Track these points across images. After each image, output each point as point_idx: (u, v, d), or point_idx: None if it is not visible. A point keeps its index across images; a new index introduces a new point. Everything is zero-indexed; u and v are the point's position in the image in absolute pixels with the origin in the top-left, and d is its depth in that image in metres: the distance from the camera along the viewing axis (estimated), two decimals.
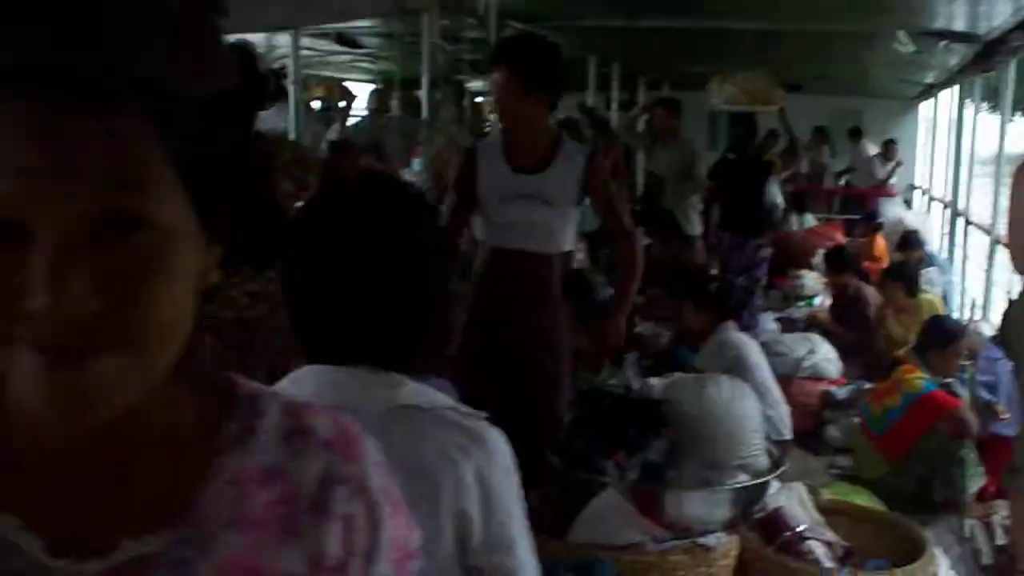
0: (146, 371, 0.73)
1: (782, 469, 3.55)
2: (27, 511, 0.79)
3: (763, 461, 3.58)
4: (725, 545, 3.37)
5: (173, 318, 0.73)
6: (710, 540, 3.32)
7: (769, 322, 7.47)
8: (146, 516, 0.81)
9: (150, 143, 0.70)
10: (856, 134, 15.38)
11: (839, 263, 7.87)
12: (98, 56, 0.67)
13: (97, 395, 0.70)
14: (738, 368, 4.83)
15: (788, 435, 4.87)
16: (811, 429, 6.08)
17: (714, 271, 7.63)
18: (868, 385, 6.08)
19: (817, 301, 8.66)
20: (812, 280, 8.99)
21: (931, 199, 14.64)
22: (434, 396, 1.57)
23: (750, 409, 3.62)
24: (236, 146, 0.78)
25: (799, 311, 8.28)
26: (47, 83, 0.67)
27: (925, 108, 16.59)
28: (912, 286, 7.04)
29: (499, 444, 1.56)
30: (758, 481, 3.42)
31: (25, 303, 0.67)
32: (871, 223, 11.61)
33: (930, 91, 14.46)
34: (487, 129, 9.20)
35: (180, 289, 0.73)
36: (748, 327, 6.38)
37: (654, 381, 3.71)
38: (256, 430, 0.86)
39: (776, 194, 9.59)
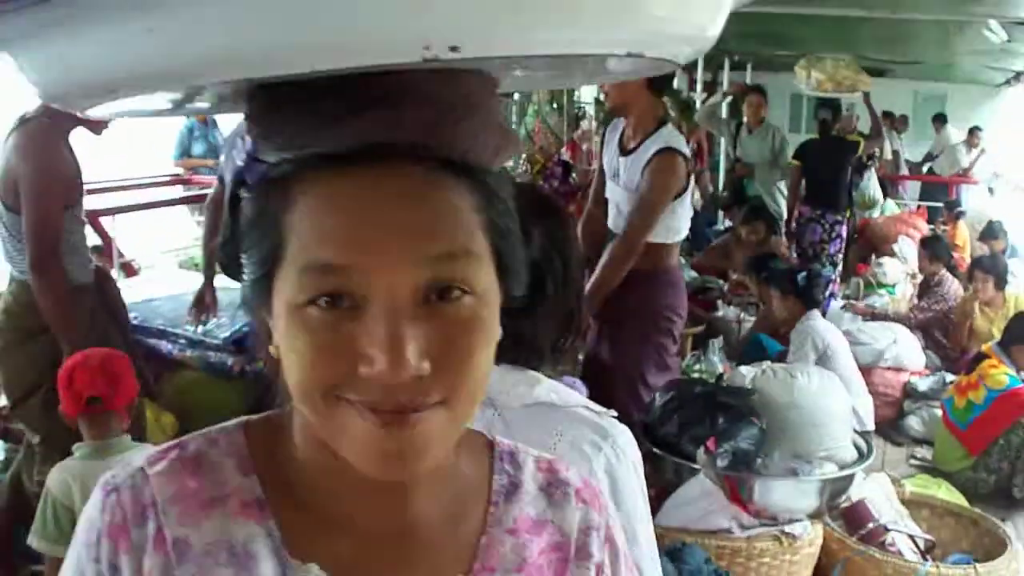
0: (459, 424, 0.82)
1: (868, 462, 3.59)
2: (331, 561, 0.88)
3: (850, 452, 3.63)
4: (809, 534, 3.43)
5: (484, 375, 0.81)
6: (796, 528, 3.38)
7: (849, 311, 7.43)
8: (436, 565, 0.91)
9: (472, 215, 0.79)
10: (941, 120, 15.13)
11: (936, 251, 7.76)
12: (436, 136, 0.77)
13: (423, 448, 0.78)
14: (824, 358, 4.87)
15: (870, 426, 4.89)
16: (892, 419, 6.10)
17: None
18: (951, 377, 6.06)
19: (898, 290, 8.59)
20: (893, 268, 8.90)
21: (1015, 188, 14.38)
22: (567, 394, 1.65)
23: (839, 401, 3.66)
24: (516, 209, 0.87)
25: (880, 299, 8.22)
26: (390, 160, 0.77)
27: (1013, 94, 16.22)
28: (1002, 280, 6.95)
29: (627, 439, 1.64)
30: (845, 473, 3.47)
31: (360, 368, 0.75)
32: (953, 211, 11.44)
33: (1018, 78, 14.16)
34: (579, 112, 9.22)
35: (489, 347, 0.81)
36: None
37: (743, 370, 3.77)
38: (521, 483, 0.96)
39: (868, 176, 9.61)
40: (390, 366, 0.73)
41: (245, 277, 0.85)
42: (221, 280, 6.47)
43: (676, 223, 3.89)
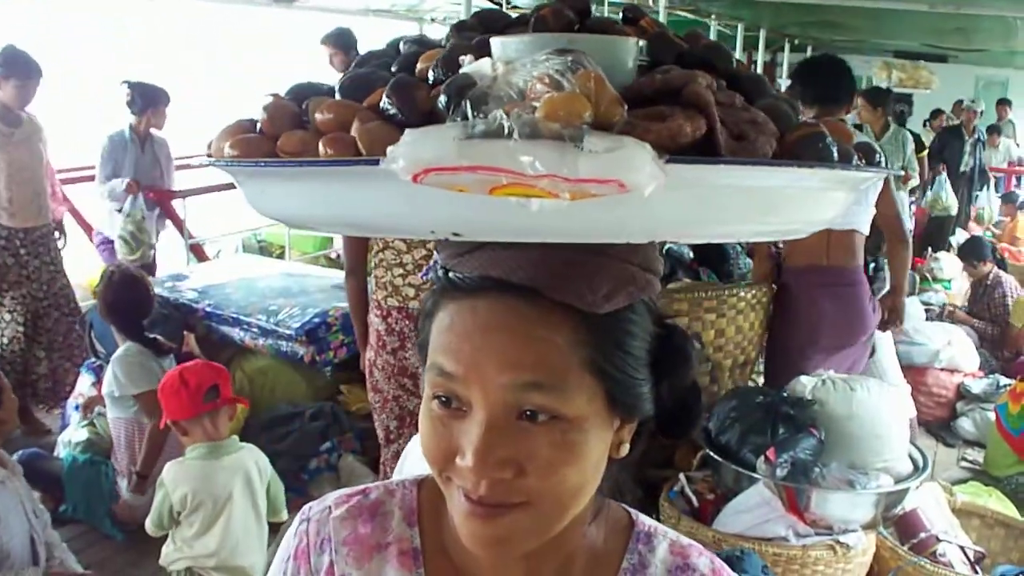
0: (545, 526, 0.93)
1: (924, 476, 3.65)
2: None
3: (906, 465, 3.70)
4: (863, 543, 3.51)
5: (573, 487, 0.92)
6: (850, 539, 3.46)
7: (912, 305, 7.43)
8: None
9: (569, 351, 0.89)
10: (1006, 104, 14.90)
11: (975, 255, 7.73)
12: (545, 279, 0.88)
13: (505, 540, 0.91)
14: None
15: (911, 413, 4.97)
16: (944, 420, 6.15)
17: None
18: (1005, 380, 6.09)
19: (954, 285, 8.57)
20: (949, 261, 8.88)
21: None
22: None
23: (897, 414, 3.73)
24: (646, 350, 0.96)
25: (936, 295, 8.21)
26: (509, 292, 0.89)
27: None
28: None
29: None
30: (901, 487, 3.54)
31: (457, 459, 0.90)
32: (1015, 203, 11.31)
33: None
34: None
35: (582, 465, 0.92)
36: None
37: (804, 380, 3.84)
38: (649, 564, 1.06)
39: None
40: (475, 465, 0.88)
41: (418, 352, 1.02)
42: (296, 267, 6.65)
43: None
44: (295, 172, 0.94)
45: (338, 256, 8.23)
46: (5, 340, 5.73)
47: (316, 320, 5.06)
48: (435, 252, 0.99)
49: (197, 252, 7.35)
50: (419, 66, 1.01)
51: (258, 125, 1.01)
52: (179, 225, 7.05)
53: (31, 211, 5.73)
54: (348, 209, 0.91)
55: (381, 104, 0.92)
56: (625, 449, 0.99)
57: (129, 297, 4.73)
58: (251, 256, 7.78)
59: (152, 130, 6.55)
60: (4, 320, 5.72)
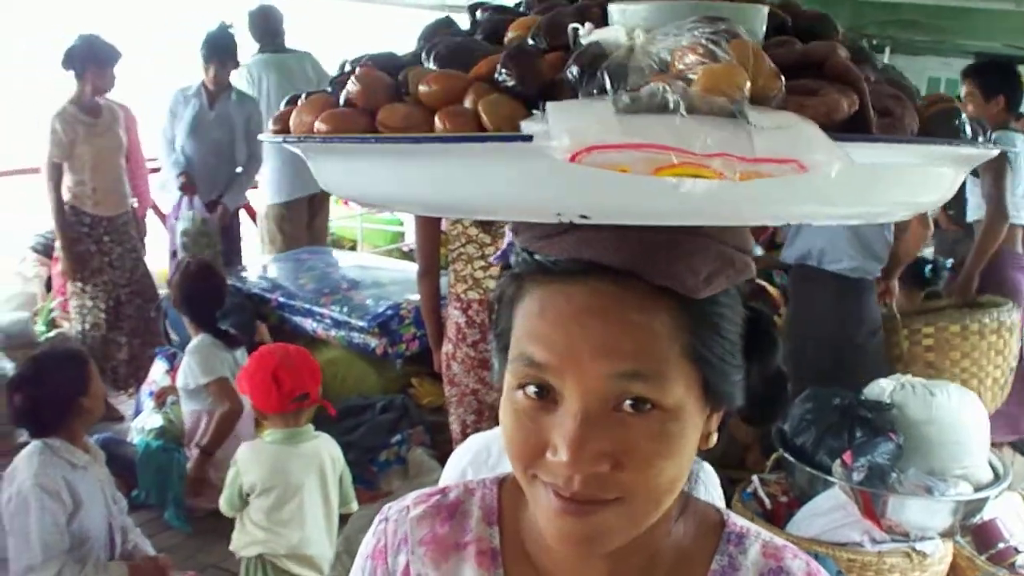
0: (638, 521, 0.89)
1: (1004, 485, 3.58)
2: None
3: (985, 472, 3.62)
4: (940, 551, 3.44)
5: (669, 481, 0.88)
6: (927, 546, 3.40)
7: None
8: None
9: (669, 337, 0.85)
10: None
11: None
12: (643, 262, 0.84)
13: (596, 538, 0.87)
14: None
15: None
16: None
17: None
18: None
19: None
20: None
21: None
22: None
23: (977, 419, 3.65)
24: (739, 335, 0.92)
25: None
26: (602, 277, 0.85)
27: None
28: None
29: (709, 475, 1.73)
30: (981, 496, 3.47)
31: (548, 454, 0.86)
32: None
33: None
34: None
35: (678, 456, 0.88)
36: None
37: (883, 383, 3.78)
38: (740, 567, 1.01)
39: None
40: (570, 459, 0.83)
41: (494, 350, 0.97)
42: (368, 259, 6.68)
43: None
44: (410, 149, 0.87)
45: (410, 250, 8.26)
46: (87, 326, 5.83)
47: (389, 312, 5.08)
48: (512, 234, 0.95)
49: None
50: (509, 34, 0.95)
51: (342, 98, 0.95)
52: (252, 215, 7.12)
53: (114, 199, 5.82)
54: (463, 190, 0.84)
55: (497, 75, 0.86)
56: (713, 440, 0.94)
57: (203, 288, 4.77)
58: (323, 248, 7.82)
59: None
60: (86, 306, 5.82)
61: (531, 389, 0.87)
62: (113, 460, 4.36)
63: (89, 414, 3.41)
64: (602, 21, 0.92)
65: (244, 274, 5.96)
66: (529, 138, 0.75)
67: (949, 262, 5.54)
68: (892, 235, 4.64)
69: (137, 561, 3.44)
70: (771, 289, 5.63)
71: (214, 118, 6.17)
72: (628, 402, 0.85)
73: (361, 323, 5.06)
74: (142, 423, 5.01)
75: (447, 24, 1.10)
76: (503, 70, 0.86)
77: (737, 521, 1.06)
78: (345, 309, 5.18)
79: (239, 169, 6.33)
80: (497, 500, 1.07)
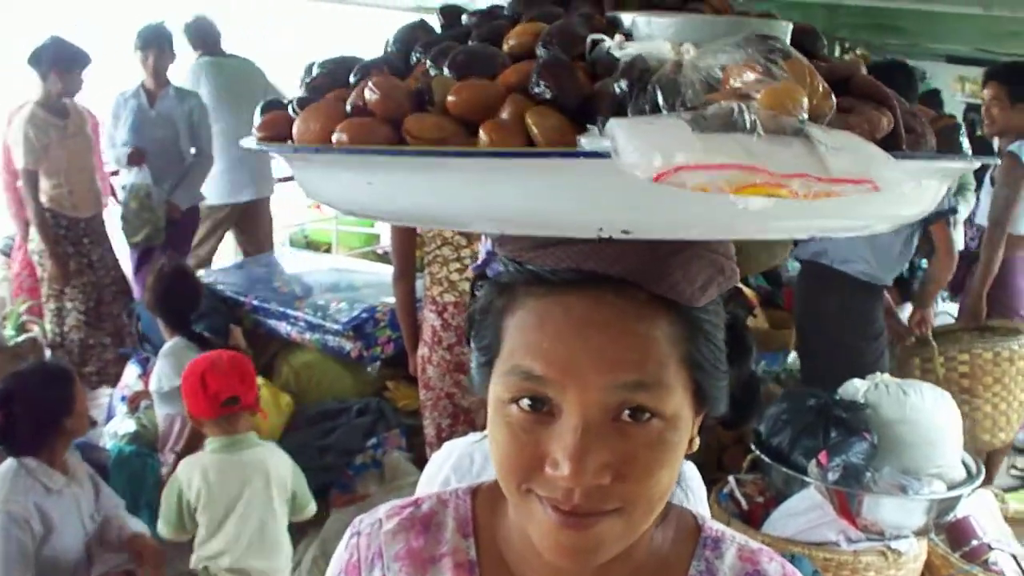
0: (635, 530, 0.89)
1: (977, 483, 3.61)
2: None
3: (959, 471, 3.65)
4: (915, 550, 3.46)
5: (664, 488, 0.88)
6: (902, 545, 3.41)
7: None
8: None
9: (668, 347, 0.85)
10: None
11: None
12: (641, 271, 0.84)
13: (596, 548, 0.87)
14: None
15: None
16: None
17: None
18: None
19: None
20: None
21: None
22: None
23: (950, 419, 3.68)
24: (724, 340, 0.93)
25: None
26: (600, 287, 0.84)
27: None
28: None
29: (694, 475, 1.80)
30: (954, 494, 3.50)
31: (547, 468, 0.85)
32: None
33: None
34: None
35: (674, 463, 0.88)
36: None
37: (856, 383, 3.80)
38: (716, 571, 1.02)
39: None
40: (571, 472, 0.82)
41: (473, 358, 0.96)
42: (343, 262, 6.65)
43: None
44: (441, 163, 0.84)
45: (385, 252, 8.24)
46: (65, 328, 5.82)
47: (364, 315, 5.04)
48: (492, 244, 0.94)
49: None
50: (511, 41, 0.93)
51: (349, 104, 0.92)
52: None
53: (90, 200, 5.85)
54: (506, 204, 0.82)
55: (533, 86, 0.84)
56: (696, 444, 0.95)
57: (178, 291, 4.71)
58: (298, 250, 7.79)
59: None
60: (65, 308, 5.82)
61: (526, 402, 0.86)
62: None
63: (72, 434, 3.36)
64: (608, 30, 0.91)
65: (218, 277, 5.92)
66: (603, 155, 0.73)
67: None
68: (912, 247, 4.69)
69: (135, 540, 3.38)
70: (746, 290, 5.65)
71: (155, 116, 6.09)
72: (627, 412, 0.84)
73: (336, 326, 5.02)
74: (115, 428, 4.94)
75: (423, 27, 1.08)
76: (540, 81, 0.84)
77: (713, 526, 1.06)
78: (320, 312, 5.15)
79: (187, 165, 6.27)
80: (471, 510, 1.06)
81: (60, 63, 5.54)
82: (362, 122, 0.88)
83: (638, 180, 0.70)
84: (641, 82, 0.79)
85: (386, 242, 8.41)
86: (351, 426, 4.85)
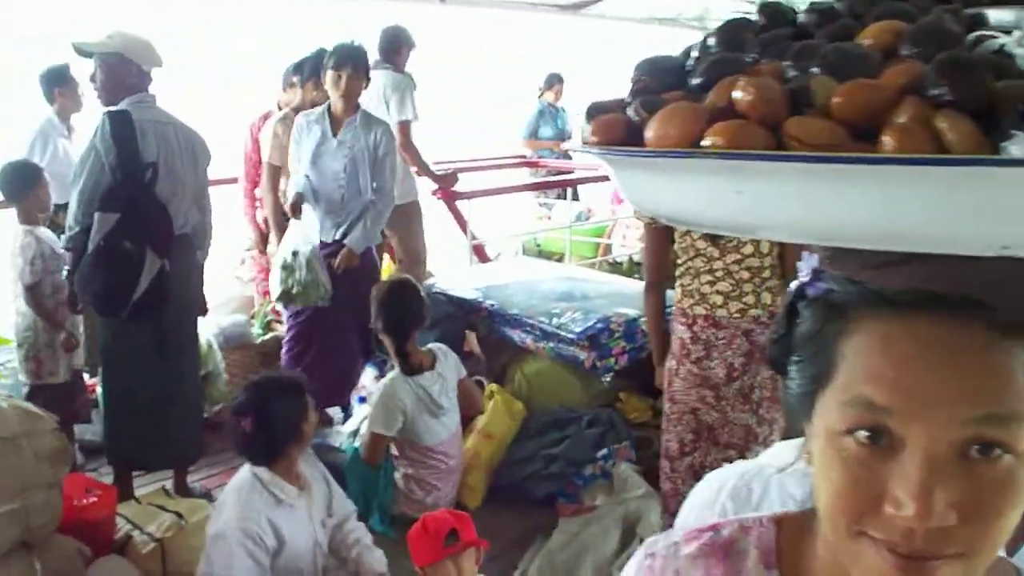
0: (974, 573, 0.80)
1: None
2: None
3: None
4: None
5: (1008, 532, 0.79)
6: None
7: None
8: None
9: (1023, 377, 0.77)
10: None
11: None
12: (993, 294, 0.76)
13: None
14: None
15: None
16: None
17: None
18: None
19: None
20: None
21: None
22: None
23: None
24: None
25: None
26: (950, 310, 0.76)
27: None
28: None
29: None
30: None
31: (886, 507, 0.77)
32: None
33: None
34: None
35: (1020, 507, 0.79)
36: None
37: None
38: None
39: None
40: (917, 512, 0.74)
41: (791, 383, 0.88)
42: (577, 271, 6.64)
43: None
44: (836, 170, 0.77)
45: (616, 261, 8.20)
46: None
47: (599, 325, 5.00)
48: (819, 261, 0.87)
49: (479, 253, 7.45)
50: (866, 41, 0.86)
51: (706, 104, 0.87)
52: (463, 225, 7.19)
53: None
54: (893, 216, 0.76)
55: (931, 88, 0.78)
56: None
57: (398, 305, 4.64)
58: (531, 259, 7.84)
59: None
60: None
61: (863, 434, 0.79)
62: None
63: (307, 440, 3.46)
64: (973, 27, 0.84)
65: (453, 283, 5.98)
66: None
67: None
68: None
69: None
70: None
71: (336, 147, 5.28)
72: (976, 448, 0.76)
73: (570, 335, 4.99)
74: (352, 428, 5.05)
75: (750, 26, 1.03)
76: (943, 84, 0.78)
77: None
78: (555, 321, 5.13)
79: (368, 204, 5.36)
80: (775, 541, 0.99)
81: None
82: (740, 125, 0.83)
83: None
84: None
85: (618, 252, 8.39)
86: (581, 436, 4.82)
